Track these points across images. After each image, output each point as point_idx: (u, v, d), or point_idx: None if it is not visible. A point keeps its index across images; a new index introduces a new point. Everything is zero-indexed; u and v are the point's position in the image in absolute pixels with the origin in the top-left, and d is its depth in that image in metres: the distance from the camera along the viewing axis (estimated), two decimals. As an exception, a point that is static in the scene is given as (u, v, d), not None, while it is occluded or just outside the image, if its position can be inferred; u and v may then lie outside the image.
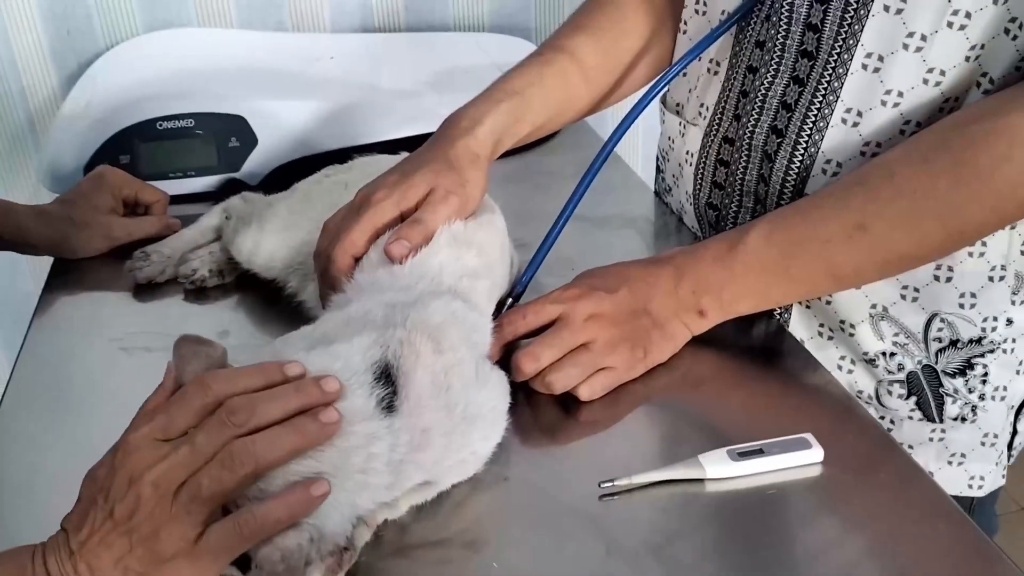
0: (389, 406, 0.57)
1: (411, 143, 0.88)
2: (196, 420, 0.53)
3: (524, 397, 0.71)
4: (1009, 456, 0.84)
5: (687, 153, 0.89)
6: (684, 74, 0.91)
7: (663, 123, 0.96)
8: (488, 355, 0.69)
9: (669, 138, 0.94)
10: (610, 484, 0.62)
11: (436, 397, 0.59)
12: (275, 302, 0.85)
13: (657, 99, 0.94)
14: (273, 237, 0.85)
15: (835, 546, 0.59)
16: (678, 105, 0.93)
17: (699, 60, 0.88)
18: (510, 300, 0.76)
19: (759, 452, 0.64)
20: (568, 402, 0.71)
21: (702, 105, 0.88)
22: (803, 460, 0.64)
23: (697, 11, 0.88)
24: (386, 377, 0.57)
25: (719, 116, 0.85)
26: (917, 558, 0.58)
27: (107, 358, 0.81)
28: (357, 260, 0.73)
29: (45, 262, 0.97)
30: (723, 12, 0.83)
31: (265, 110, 1.10)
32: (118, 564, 0.50)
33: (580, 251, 0.88)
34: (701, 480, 0.63)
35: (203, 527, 0.51)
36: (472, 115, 0.81)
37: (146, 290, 0.90)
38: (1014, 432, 0.83)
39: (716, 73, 0.86)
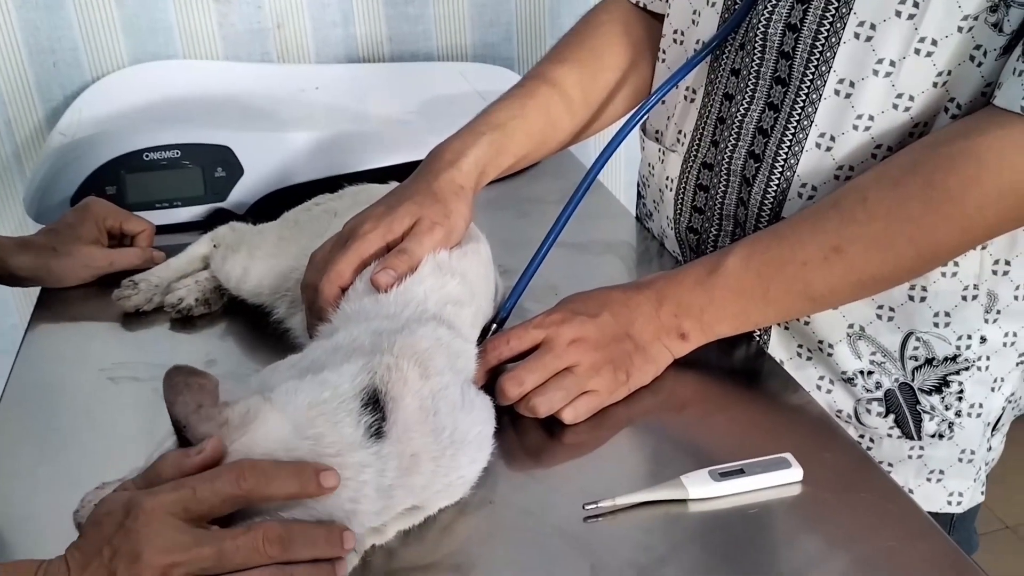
0: (377, 432, 0.57)
1: (397, 171, 0.89)
2: (221, 508, 0.52)
3: (509, 421, 0.72)
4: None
5: (667, 179, 0.91)
6: (663, 102, 0.93)
7: (643, 150, 0.98)
8: (473, 380, 0.70)
9: (649, 165, 0.96)
10: (594, 506, 0.63)
11: (424, 422, 0.60)
12: (262, 330, 0.86)
13: (637, 127, 0.97)
14: (262, 263, 0.86)
15: (816, 564, 0.60)
16: (657, 132, 0.95)
17: (676, 88, 0.90)
18: (494, 326, 0.77)
19: (740, 472, 0.65)
20: (552, 425, 0.72)
21: (680, 132, 0.90)
22: (783, 479, 0.65)
23: (675, 40, 0.90)
24: (374, 403, 0.58)
25: (697, 142, 0.87)
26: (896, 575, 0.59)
27: (95, 388, 0.81)
28: (344, 290, 0.74)
29: (30, 296, 0.97)
30: (698, 41, 0.85)
31: (251, 140, 1.11)
32: None
33: (563, 277, 0.89)
34: (684, 500, 0.64)
35: None
36: (456, 148, 0.82)
37: (133, 319, 0.90)
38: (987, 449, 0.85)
39: (693, 101, 0.88)
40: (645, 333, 0.74)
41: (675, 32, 0.90)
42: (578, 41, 0.95)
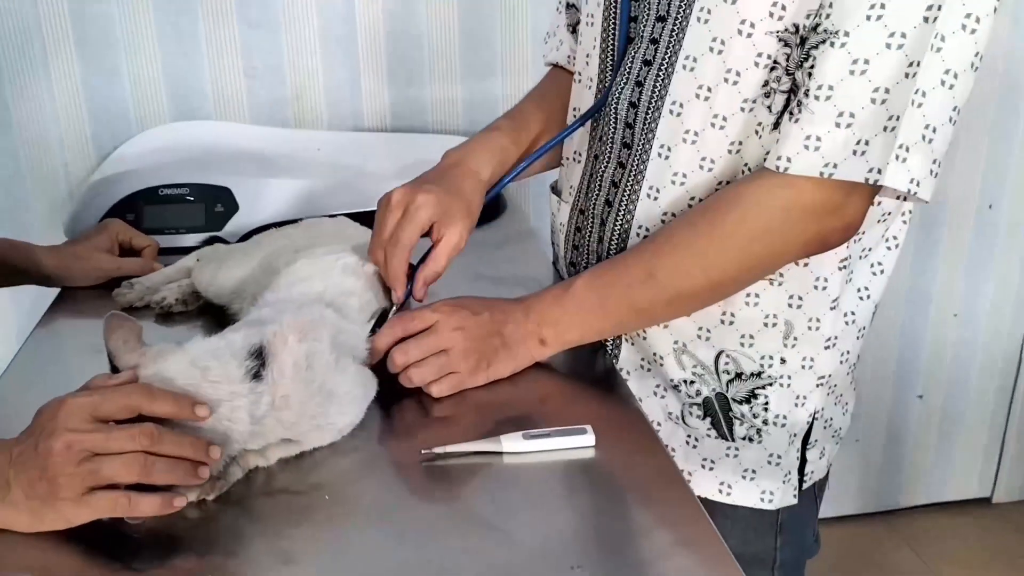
0: (256, 375, 0.77)
1: (366, 217, 1.10)
2: (120, 413, 0.71)
3: (396, 396, 0.90)
4: (801, 481, 1.01)
5: (561, 224, 1.11)
6: (565, 162, 1.14)
7: (550, 203, 1.18)
8: (365, 354, 0.90)
9: (553, 214, 1.16)
10: (429, 451, 0.82)
11: (296, 374, 0.79)
12: (224, 324, 1.07)
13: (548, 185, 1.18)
14: (227, 272, 1.08)
15: (592, 508, 0.78)
16: (563, 188, 1.15)
17: (572, 151, 1.11)
18: (395, 307, 0.97)
19: (546, 435, 0.83)
20: (427, 402, 0.91)
21: (570, 186, 1.10)
22: (579, 443, 0.83)
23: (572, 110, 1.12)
24: (258, 354, 0.78)
25: (579, 194, 1.07)
26: (646, 522, 0.77)
27: (89, 361, 1.01)
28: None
29: (46, 297, 1.20)
30: (575, 110, 1.07)
31: (248, 184, 1.36)
32: (31, 484, 0.68)
33: (473, 299, 1.09)
34: (500, 453, 0.82)
35: (90, 490, 0.68)
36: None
37: (128, 313, 1.12)
38: (804, 461, 1.00)
39: (579, 161, 1.08)
40: (514, 335, 0.93)
41: (574, 109, 1.12)
42: (512, 111, 1.16)
